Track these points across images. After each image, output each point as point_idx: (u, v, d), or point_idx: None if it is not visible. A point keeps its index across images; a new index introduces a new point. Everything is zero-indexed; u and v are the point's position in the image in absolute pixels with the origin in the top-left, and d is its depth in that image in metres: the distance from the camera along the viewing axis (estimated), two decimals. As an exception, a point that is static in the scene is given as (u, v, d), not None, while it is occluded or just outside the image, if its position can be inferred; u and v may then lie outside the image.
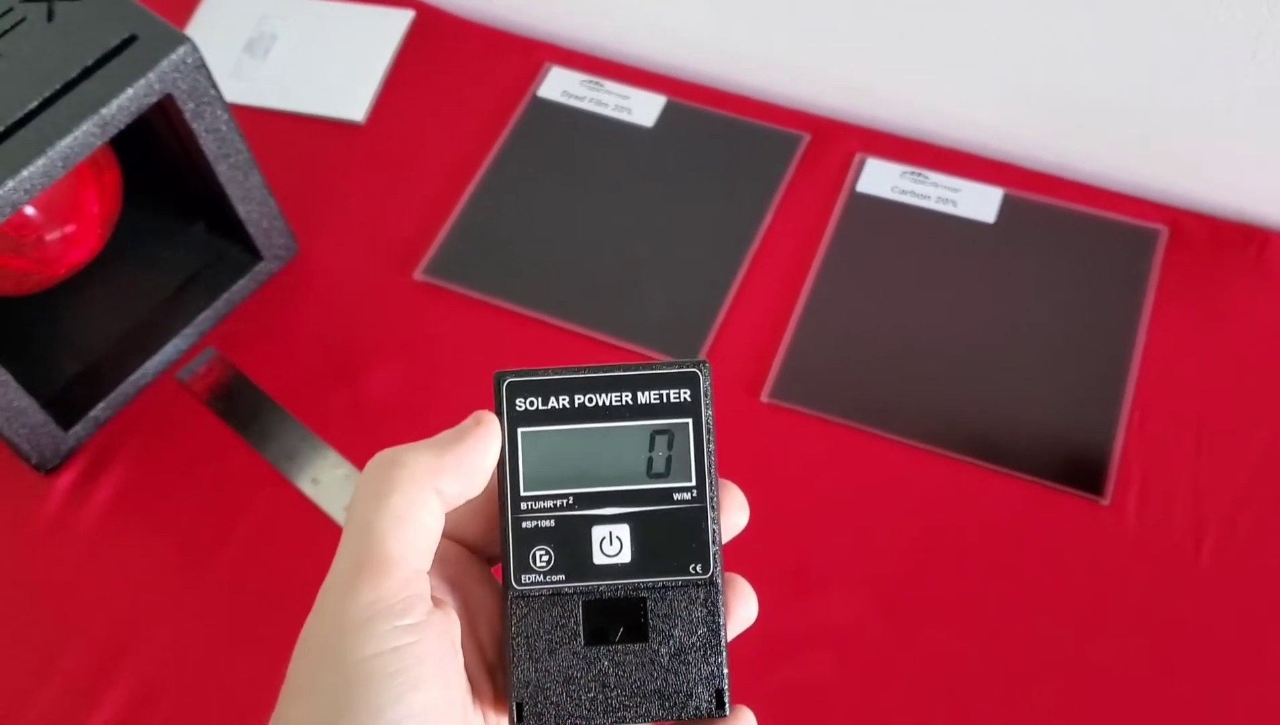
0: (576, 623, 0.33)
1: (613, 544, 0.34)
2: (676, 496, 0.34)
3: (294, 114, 0.89)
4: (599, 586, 0.33)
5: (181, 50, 0.66)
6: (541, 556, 0.34)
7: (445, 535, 0.35)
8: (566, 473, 0.34)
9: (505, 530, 0.34)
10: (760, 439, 0.73)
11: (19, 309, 0.77)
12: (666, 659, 0.34)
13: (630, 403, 0.34)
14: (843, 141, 0.84)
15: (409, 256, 0.81)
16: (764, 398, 0.74)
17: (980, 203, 0.80)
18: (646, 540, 0.34)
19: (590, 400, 0.34)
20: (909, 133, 0.84)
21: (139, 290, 0.79)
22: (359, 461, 0.73)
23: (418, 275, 0.80)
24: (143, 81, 0.65)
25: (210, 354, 0.78)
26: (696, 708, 0.34)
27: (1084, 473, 0.69)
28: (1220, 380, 0.72)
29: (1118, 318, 0.74)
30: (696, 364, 0.35)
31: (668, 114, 0.86)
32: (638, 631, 0.34)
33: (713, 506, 0.35)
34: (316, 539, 0.71)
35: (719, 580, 0.35)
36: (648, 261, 0.79)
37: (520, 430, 0.34)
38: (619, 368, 0.34)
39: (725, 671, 0.35)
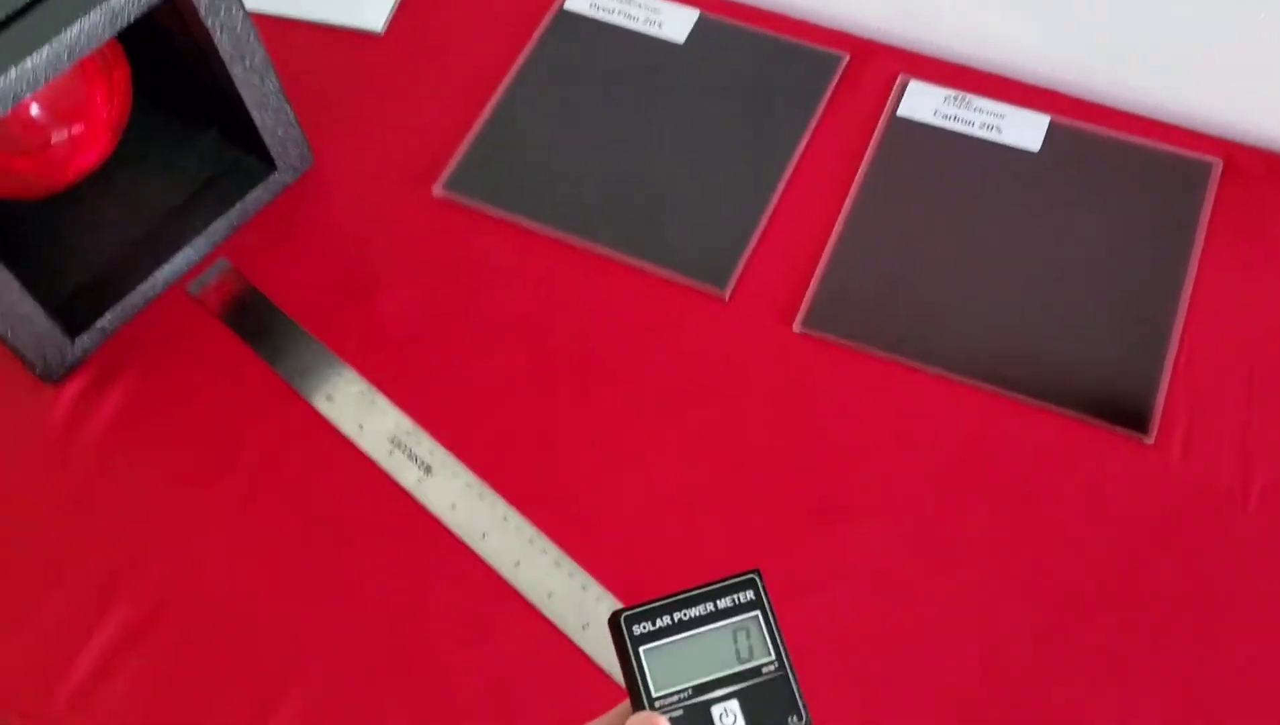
0: None
1: (729, 716, 0.43)
2: (764, 670, 0.44)
3: (311, 22, 0.85)
4: None
5: (197, -59, 0.63)
6: None
7: None
8: (682, 673, 0.43)
9: None
10: (792, 369, 0.70)
11: (26, 214, 0.74)
12: None
13: (714, 609, 0.45)
14: (884, 63, 0.80)
15: (428, 171, 0.78)
16: (797, 327, 0.71)
17: (1026, 130, 0.76)
18: (752, 708, 0.43)
19: (685, 614, 0.44)
20: (952, 56, 0.81)
21: (149, 198, 0.76)
22: (375, 379, 0.70)
23: (436, 190, 0.77)
24: (154, -27, 0.62)
25: (222, 266, 0.75)
26: None
27: (1128, 410, 0.66)
28: (1275, 321, 0.69)
29: (1167, 253, 0.71)
30: (753, 573, 0.46)
31: (700, 30, 0.82)
32: None
33: (792, 670, 0.44)
34: (329, 455, 0.68)
35: (811, 720, 0.43)
36: (677, 183, 0.76)
37: (641, 649, 0.44)
38: (700, 588, 0.45)
39: None
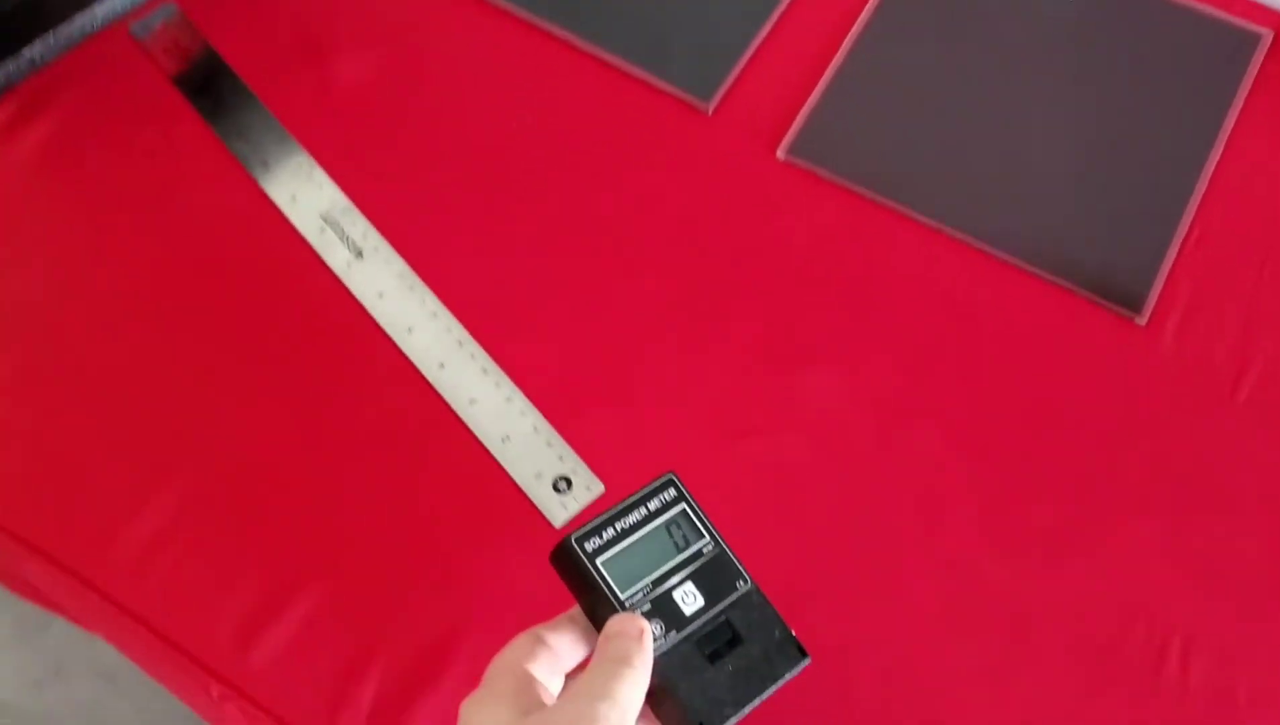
0: (698, 655, 0.48)
1: (689, 597, 0.49)
2: (704, 552, 0.50)
3: None
4: (698, 624, 0.48)
5: None
6: (655, 628, 0.47)
7: None
8: (638, 572, 0.49)
9: None
10: (769, 197, 0.64)
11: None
12: (760, 646, 0.49)
13: (646, 512, 0.50)
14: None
15: (407, -63, 0.71)
16: (780, 154, 0.65)
17: None
18: (705, 584, 0.49)
19: (624, 523, 0.50)
20: None
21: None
22: (315, 150, 0.65)
23: (419, -42, 0.70)
24: None
25: (170, 10, 0.69)
26: (791, 665, 0.49)
27: (1123, 287, 0.61)
28: (1298, 211, 0.63)
29: (1197, 126, 0.65)
30: (669, 475, 0.51)
31: None
32: (734, 640, 0.49)
33: (726, 546, 0.50)
34: (258, 225, 0.63)
35: (755, 585, 0.50)
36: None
37: (599, 560, 0.49)
38: (629, 499, 0.50)
39: (792, 633, 0.49)
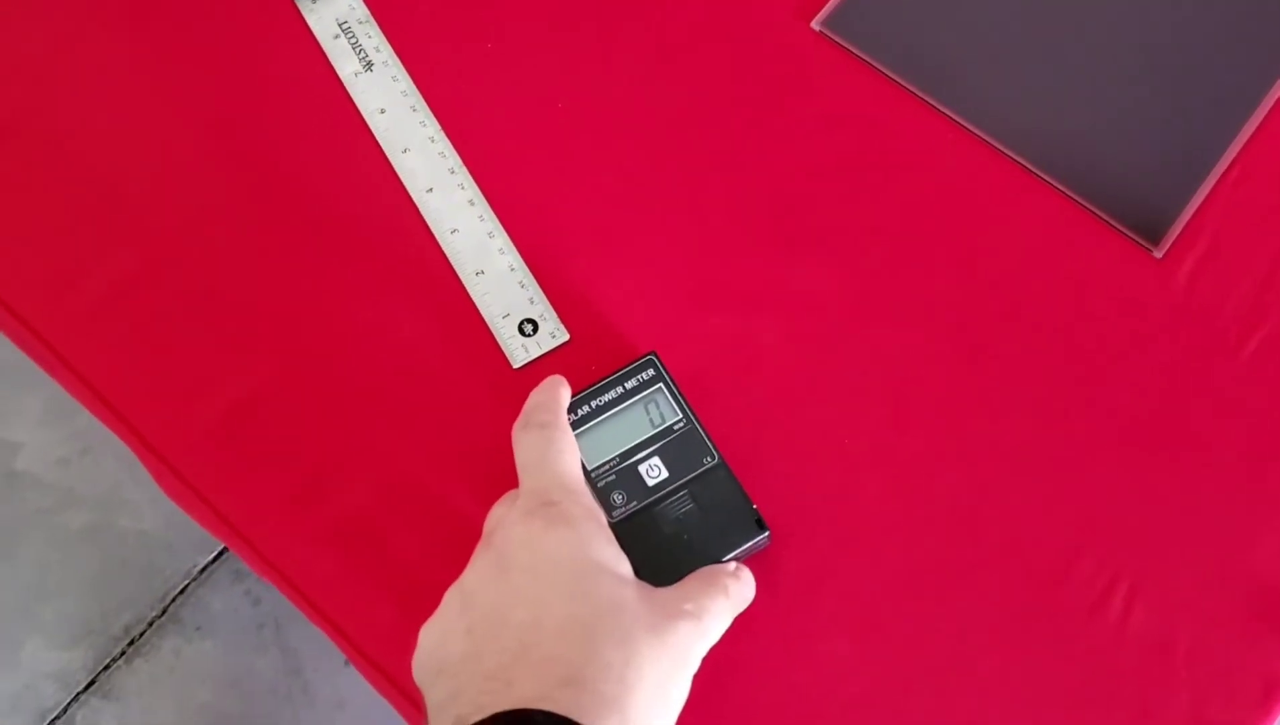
0: (654, 525, 0.51)
1: (654, 469, 0.52)
2: (675, 428, 0.52)
3: None
4: (659, 495, 0.51)
5: None
6: (616, 497, 0.51)
7: None
8: (608, 446, 0.52)
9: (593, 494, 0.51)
10: (798, 68, 0.61)
11: None
12: (720, 517, 0.51)
13: (624, 390, 0.53)
14: None
15: None
16: (815, 24, 0.62)
17: None
18: (671, 459, 0.52)
19: (601, 399, 0.53)
20: None
21: None
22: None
23: None
24: None
25: None
26: (749, 537, 0.51)
27: (1145, 216, 0.58)
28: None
29: (1260, 60, 0.61)
30: (650, 355, 0.54)
31: None
32: (693, 512, 0.51)
33: (699, 423, 0.52)
34: (274, 22, 0.62)
35: (723, 460, 0.52)
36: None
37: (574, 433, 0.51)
38: (609, 377, 0.53)
39: (754, 507, 0.51)
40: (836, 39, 0.61)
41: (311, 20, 0.62)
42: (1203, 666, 0.51)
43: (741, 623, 0.49)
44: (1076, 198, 0.58)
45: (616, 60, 0.62)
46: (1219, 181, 0.58)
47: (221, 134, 0.60)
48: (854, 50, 0.61)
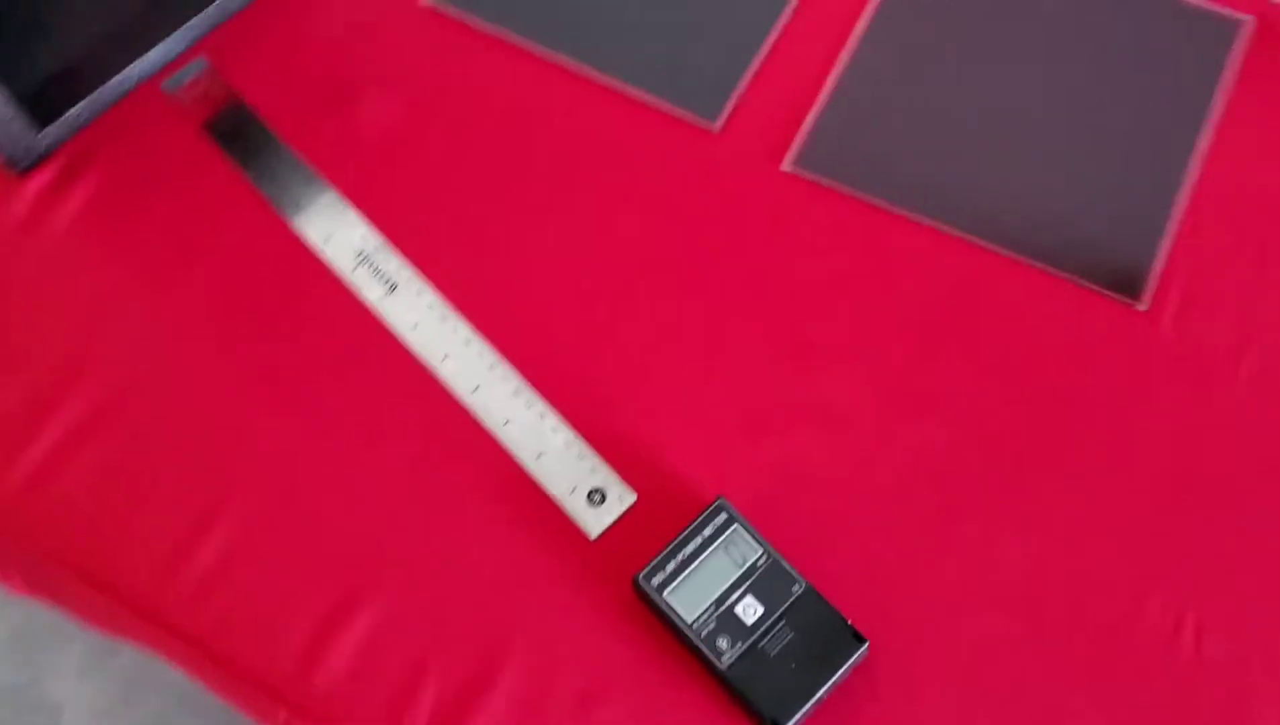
0: (763, 660, 0.54)
1: (749, 608, 0.55)
2: (759, 564, 0.56)
3: None
4: (760, 632, 0.55)
5: None
6: (721, 642, 0.55)
7: None
8: (703, 595, 0.56)
9: (694, 644, 0.55)
10: (777, 209, 0.67)
11: (-3, -4, 0.71)
12: (820, 639, 0.55)
13: (703, 538, 0.57)
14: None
15: (422, -20, 0.75)
16: (785, 166, 0.68)
17: None
18: (762, 594, 0.56)
19: (684, 552, 0.57)
20: None
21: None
22: (346, 190, 0.68)
23: (423, 0, 0.74)
24: None
25: (200, 65, 0.72)
26: (851, 652, 0.55)
27: (1122, 274, 0.63)
28: (1289, 194, 0.66)
29: (1185, 113, 0.67)
30: (719, 500, 0.58)
31: None
32: (795, 640, 0.55)
33: (778, 555, 0.56)
34: (294, 266, 0.67)
35: (809, 585, 0.56)
36: (675, 10, 0.72)
37: (665, 593, 0.56)
38: (686, 529, 0.57)
39: (847, 622, 0.55)
40: (808, 176, 0.67)
41: (329, 257, 0.67)
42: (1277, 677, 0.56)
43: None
44: (1060, 274, 0.64)
45: (619, 232, 0.67)
46: (1178, 230, 0.64)
47: (268, 378, 0.64)
48: (826, 182, 0.67)
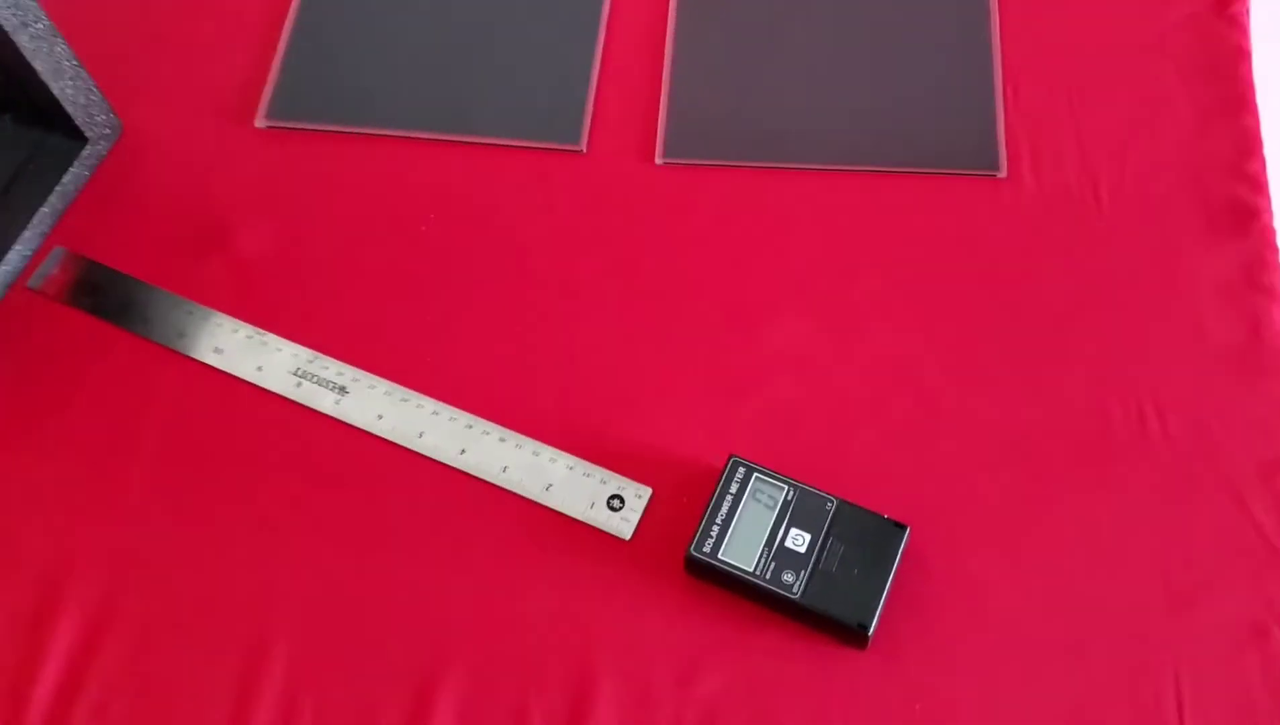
0: (827, 577, 0.59)
1: (798, 539, 0.59)
2: (789, 498, 0.61)
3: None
4: (816, 554, 0.59)
5: (-53, -98, 0.58)
6: (787, 576, 0.59)
7: None
8: (753, 542, 0.60)
9: (763, 589, 0.59)
10: (664, 200, 0.71)
11: None
12: (868, 541, 0.60)
13: (733, 496, 0.61)
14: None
15: (243, 106, 0.75)
16: (659, 160, 0.72)
17: None
18: (803, 522, 0.60)
19: (721, 514, 0.61)
20: None
21: (-44, 205, 0.71)
22: (257, 320, 0.68)
23: (259, 121, 0.75)
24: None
25: (59, 253, 0.71)
26: (898, 540, 0.60)
27: (974, 153, 0.71)
28: (1081, 38, 0.75)
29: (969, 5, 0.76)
30: (732, 458, 0.61)
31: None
32: (848, 550, 0.59)
33: (800, 484, 0.60)
34: (234, 407, 0.66)
35: (839, 498, 0.60)
36: (499, 52, 0.76)
37: (719, 555, 0.60)
38: (714, 493, 0.61)
39: (884, 517, 0.60)
40: (683, 162, 0.72)
41: (267, 384, 0.66)
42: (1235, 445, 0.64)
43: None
44: (925, 171, 0.71)
45: (534, 268, 0.70)
46: (1004, 95, 0.73)
47: (265, 521, 0.63)
48: (700, 163, 0.72)
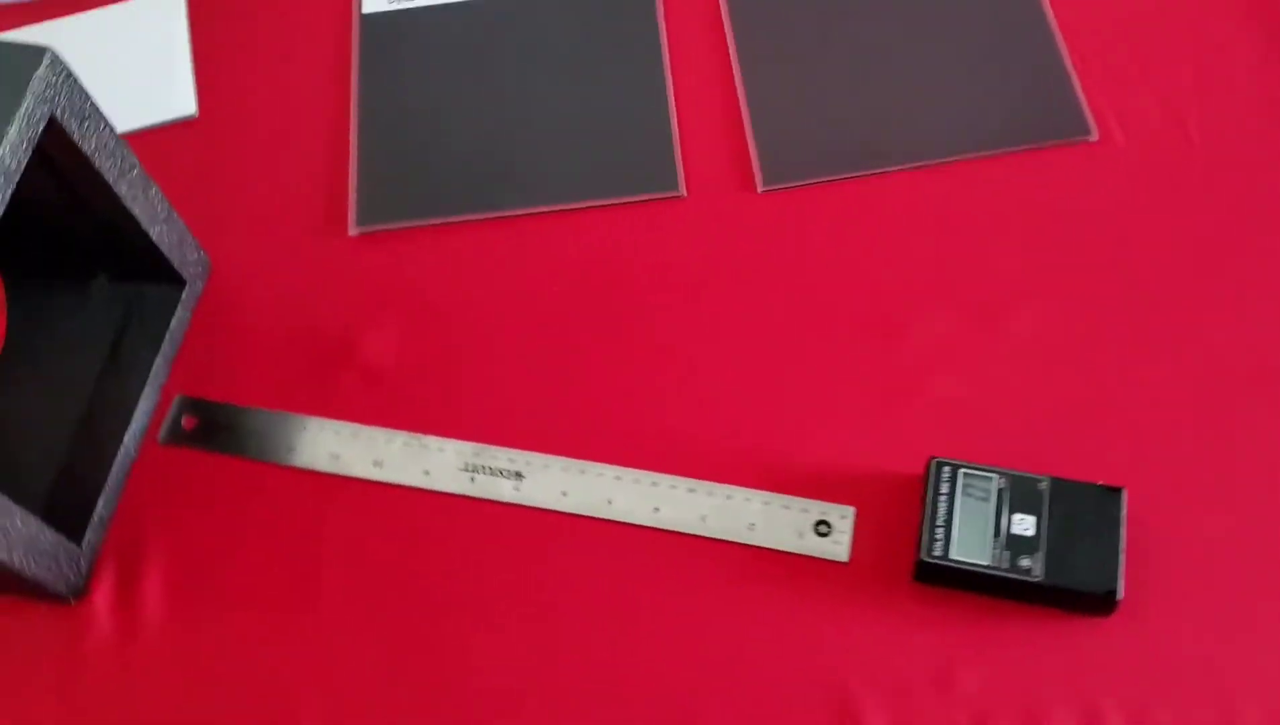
0: (1062, 554, 0.59)
1: (1023, 524, 0.59)
2: (1001, 486, 0.61)
3: (125, 133, 0.77)
4: (1045, 536, 0.60)
5: (46, 62, 0.57)
6: (1024, 562, 0.59)
7: None
8: (981, 540, 0.59)
9: (1003, 579, 0.59)
10: (776, 226, 0.72)
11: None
12: (1088, 512, 0.60)
13: (946, 495, 0.61)
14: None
15: (332, 219, 0.74)
16: (761, 189, 0.73)
17: None
18: (1023, 506, 0.60)
19: (939, 518, 0.60)
20: None
21: (72, 376, 0.68)
22: (409, 425, 0.67)
23: (352, 230, 0.73)
24: (22, 108, 0.55)
25: (182, 401, 0.68)
26: (1119, 503, 0.60)
27: (1064, 120, 0.73)
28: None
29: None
30: (932, 461, 0.61)
31: (502, -19, 0.82)
32: (1071, 522, 0.59)
33: (1007, 470, 0.61)
34: (409, 518, 0.64)
35: (1049, 476, 0.61)
36: (571, 115, 0.76)
37: (952, 555, 0.60)
38: (927, 499, 0.61)
39: (1099, 484, 0.61)
40: (786, 186, 0.72)
41: (439, 486, 0.65)
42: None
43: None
44: (1021, 148, 0.72)
45: (652, 308, 0.69)
46: (1073, 63, 0.75)
47: (461, 634, 0.62)
48: (802, 182, 0.72)
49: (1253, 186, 0.70)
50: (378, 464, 0.66)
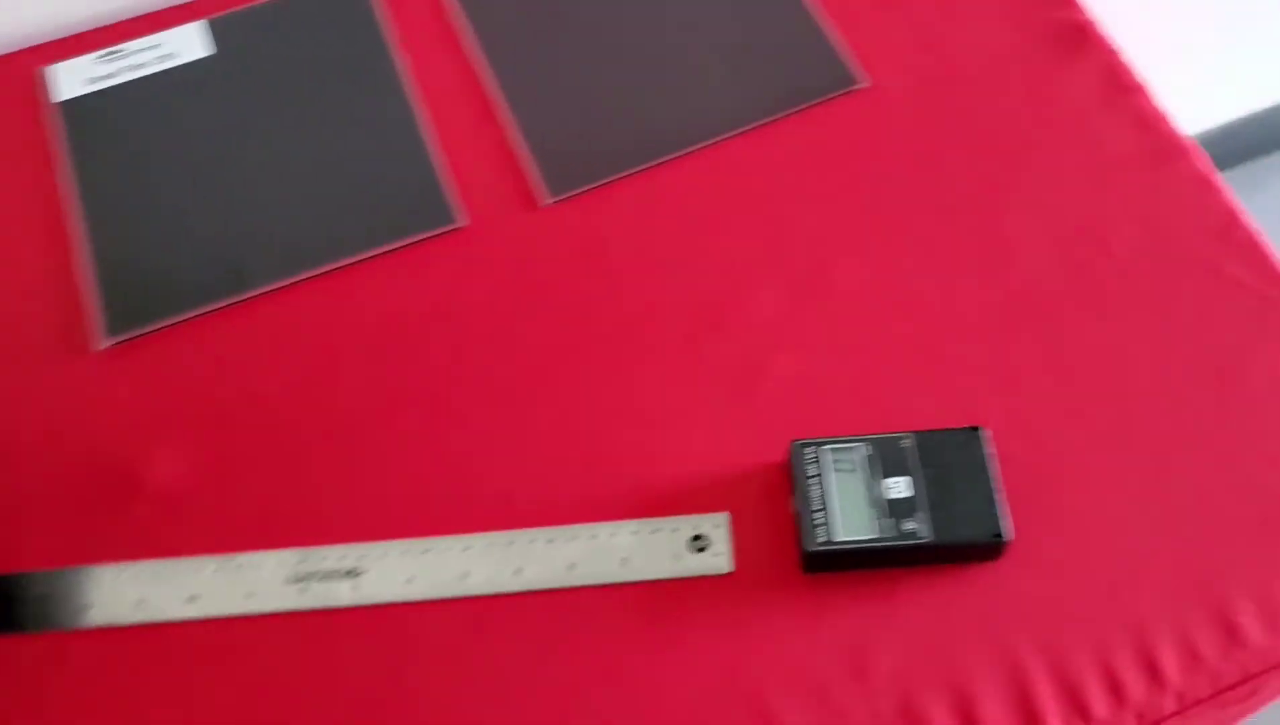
0: (942, 509, 0.56)
1: (897, 487, 0.56)
2: (865, 452, 0.58)
3: None
4: (923, 495, 0.57)
5: None
6: (907, 524, 0.56)
7: None
8: (860, 513, 0.56)
9: (894, 548, 0.56)
10: (570, 236, 0.67)
11: None
12: (956, 458, 0.57)
13: (811, 476, 0.57)
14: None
15: (70, 334, 0.64)
16: (545, 202, 0.68)
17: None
18: (891, 469, 0.57)
19: (812, 502, 0.57)
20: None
21: None
22: (220, 547, 0.58)
23: (102, 343, 0.64)
24: None
25: (-61, 585, 0.58)
26: (983, 444, 0.58)
27: (832, 74, 0.71)
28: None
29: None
30: (792, 446, 0.58)
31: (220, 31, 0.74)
32: (943, 473, 0.57)
33: (868, 436, 0.58)
34: (240, 648, 0.56)
35: (911, 432, 0.58)
36: (323, 167, 0.69)
37: (834, 537, 0.56)
38: (796, 484, 0.57)
39: (957, 430, 0.58)
40: (567, 196, 0.68)
41: (270, 606, 0.57)
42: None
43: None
44: (797, 110, 0.70)
45: (458, 362, 0.63)
46: (824, 16, 0.73)
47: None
48: (583, 191, 0.68)
49: (1019, 111, 0.70)
50: (192, 599, 0.57)
